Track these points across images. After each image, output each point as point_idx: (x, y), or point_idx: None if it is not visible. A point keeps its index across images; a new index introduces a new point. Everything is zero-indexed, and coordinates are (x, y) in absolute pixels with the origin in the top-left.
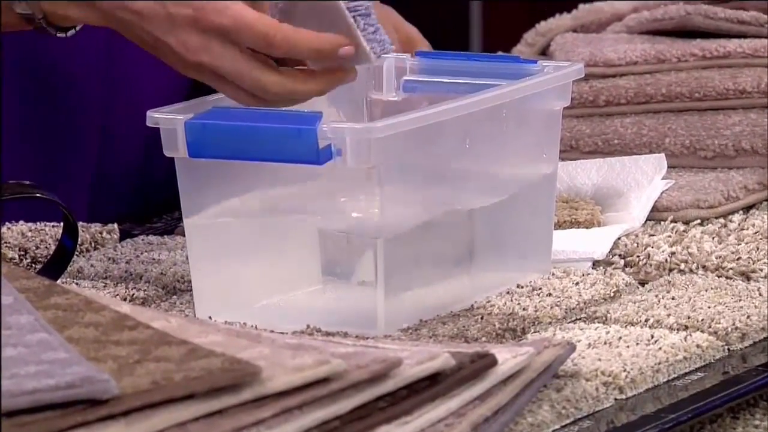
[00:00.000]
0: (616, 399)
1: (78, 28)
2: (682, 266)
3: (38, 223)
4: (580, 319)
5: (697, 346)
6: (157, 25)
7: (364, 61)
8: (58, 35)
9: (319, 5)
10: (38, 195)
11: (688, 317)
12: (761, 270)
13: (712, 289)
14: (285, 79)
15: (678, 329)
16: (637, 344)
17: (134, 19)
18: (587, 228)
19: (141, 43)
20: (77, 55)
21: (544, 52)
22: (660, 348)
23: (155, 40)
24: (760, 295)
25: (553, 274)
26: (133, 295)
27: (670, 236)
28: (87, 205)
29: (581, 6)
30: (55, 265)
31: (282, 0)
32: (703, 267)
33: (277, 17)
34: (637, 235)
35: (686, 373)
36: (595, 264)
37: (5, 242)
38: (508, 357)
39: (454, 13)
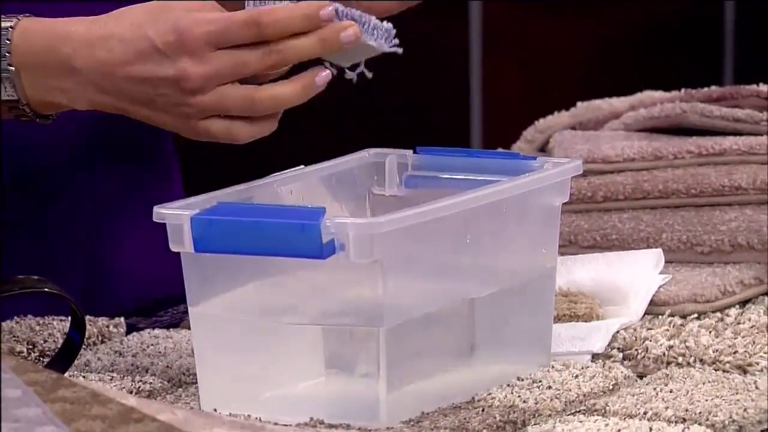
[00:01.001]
0: None
1: (55, 116)
2: (680, 359)
3: (46, 317)
4: (579, 411)
5: None
6: (152, 62)
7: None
8: (38, 122)
9: None
10: (46, 290)
11: (686, 410)
12: (757, 363)
13: (709, 382)
14: (268, 86)
15: (676, 422)
16: None
17: (126, 71)
18: (586, 321)
19: (136, 106)
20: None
21: (543, 149)
22: None
23: (155, 85)
24: (756, 388)
25: (553, 367)
26: (140, 387)
27: (667, 330)
28: (84, 301)
29: (579, 104)
30: (63, 359)
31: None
32: (701, 360)
33: None
34: (635, 329)
35: None
36: (594, 357)
37: (14, 336)
38: None
39: (455, 111)
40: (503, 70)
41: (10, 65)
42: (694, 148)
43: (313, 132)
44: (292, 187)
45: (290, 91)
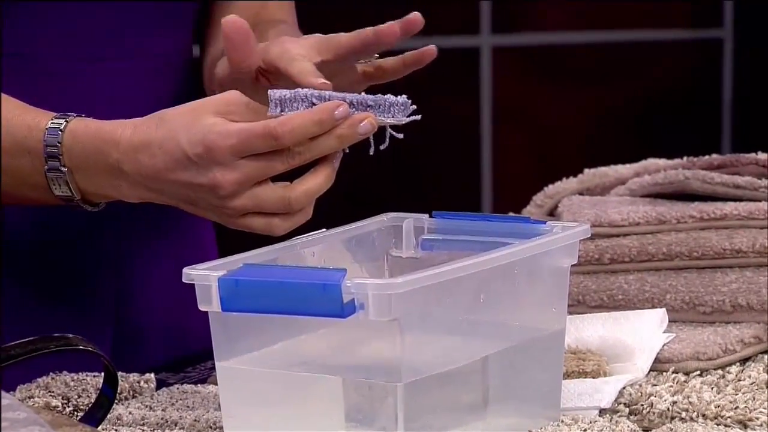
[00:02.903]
0: None
1: (104, 204)
2: (683, 414)
3: (80, 373)
4: None
5: None
6: (188, 170)
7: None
8: (89, 209)
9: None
10: (81, 347)
11: None
12: (757, 419)
13: None
14: (298, 183)
15: None
16: None
17: (168, 176)
18: (594, 378)
19: (181, 204)
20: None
21: (552, 213)
22: None
23: (194, 190)
24: None
25: (563, 421)
26: None
27: (671, 386)
28: (115, 358)
29: (586, 170)
30: (97, 413)
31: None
32: (703, 415)
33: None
34: (640, 385)
35: None
36: (602, 412)
37: (50, 391)
38: None
39: (467, 178)
40: (512, 139)
41: (64, 166)
42: (697, 213)
43: (335, 198)
44: (314, 249)
45: (319, 183)
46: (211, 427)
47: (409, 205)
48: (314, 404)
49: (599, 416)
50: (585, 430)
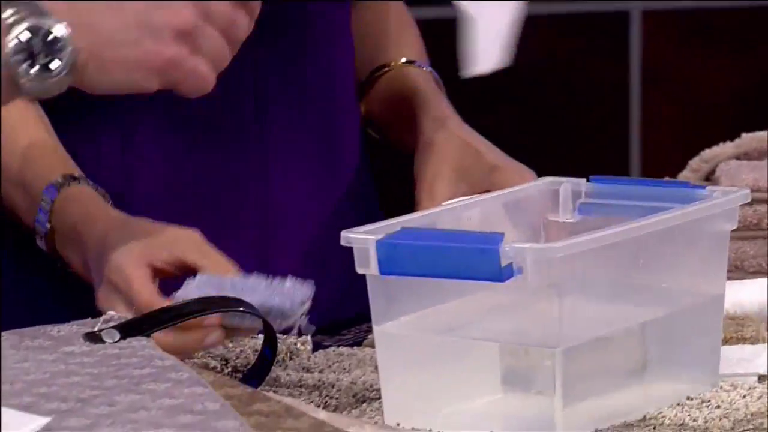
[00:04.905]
0: None
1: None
2: None
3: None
4: (747, 430)
5: None
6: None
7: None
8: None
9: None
10: (242, 309)
11: None
12: None
13: None
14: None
15: None
16: None
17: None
18: (753, 344)
19: None
20: None
21: (708, 178)
22: None
23: None
24: None
25: (721, 387)
26: (327, 402)
27: None
28: None
29: (744, 135)
30: (256, 374)
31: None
32: None
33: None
34: None
35: None
36: (761, 378)
37: (209, 353)
38: None
39: (615, 141)
40: (662, 105)
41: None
42: None
43: None
44: (471, 213)
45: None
46: (368, 390)
47: (557, 169)
48: (471, 368)
49: (758, 382)
50: (744, 396)
